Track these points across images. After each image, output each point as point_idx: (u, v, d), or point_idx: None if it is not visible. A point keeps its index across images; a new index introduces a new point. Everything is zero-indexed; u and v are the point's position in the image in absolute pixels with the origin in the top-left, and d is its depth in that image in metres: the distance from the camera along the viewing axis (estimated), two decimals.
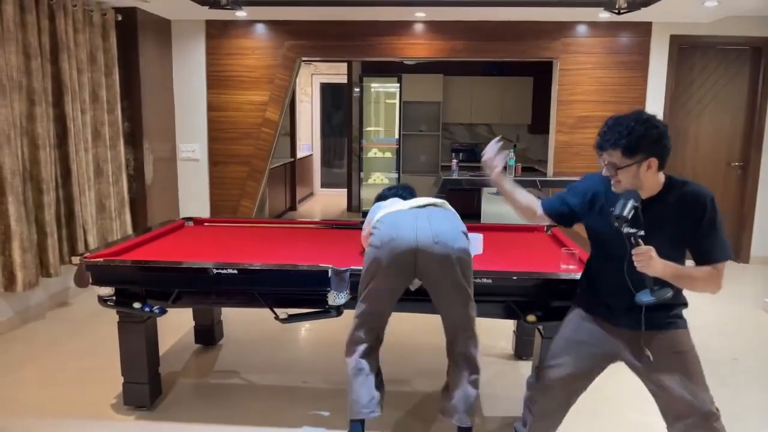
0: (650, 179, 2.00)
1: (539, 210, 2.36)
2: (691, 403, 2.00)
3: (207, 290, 2.84)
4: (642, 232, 1.92)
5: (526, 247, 3.32)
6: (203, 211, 6.19)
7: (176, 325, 4.13)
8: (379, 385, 2.56)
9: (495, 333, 4.03)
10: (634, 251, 1.92)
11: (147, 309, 2.78)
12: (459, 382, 2.50)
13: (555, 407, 2.30)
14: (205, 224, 3.90)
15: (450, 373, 2.54)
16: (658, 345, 2.08)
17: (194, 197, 6.26)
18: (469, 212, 7.31)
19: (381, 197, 3.04)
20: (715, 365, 3.68)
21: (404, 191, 3.02)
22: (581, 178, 2.30)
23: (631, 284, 2.00)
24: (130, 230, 5.34)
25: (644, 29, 5.83)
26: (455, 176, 6.03)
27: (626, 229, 1.91)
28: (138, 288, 2.82)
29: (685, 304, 2.14)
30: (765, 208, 6.08)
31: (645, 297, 1.94)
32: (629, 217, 1.90)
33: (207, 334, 3.89)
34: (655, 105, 5.94)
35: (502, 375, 3.50)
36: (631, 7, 3.86)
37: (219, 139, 6.19)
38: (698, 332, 4.25)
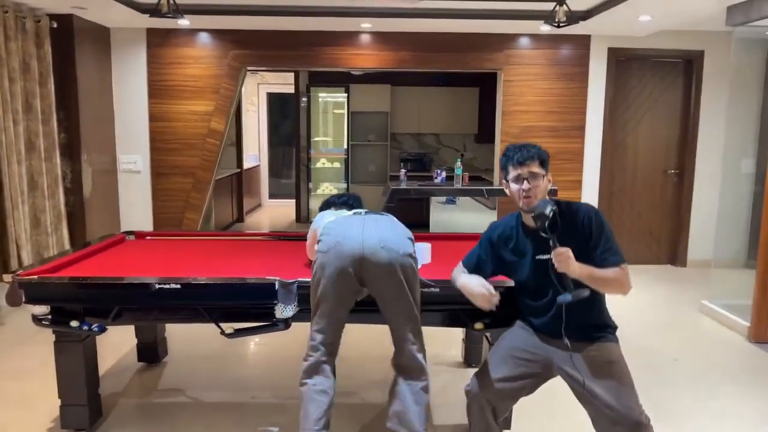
0: (545, 196, 2.26)
1: (463, 269, 2.49)
2: (619, 412, 2.08)
3: (149, 306, 2.73)
4: (554, 240, 2.10)
5: None
6: (146, 224, 6.01)
7: (117, 343, 3.98)
8: (330, 403, 2.51)
9: (445, 341, 4.04)
10: (554, 251, 2.10)
11: (85, 327, 2.65)
12: (407, 392, 2.48)
13: (489, 412, 2.35)
14: (147, 238, 3.78)
15: (397, 384, 2.52)
16: (589, 355, 2.20)
17: (136, 210, 6.07)
18: (418, 221, 7.34)
19: (328, 204, 3.02)
20: (657, 366, 3.80)
21: (351, 199, 3.01)
22: (487, 229, 2.51)
23: (557, 284, 2.16)
24: (67, 245, 5.13)
25: (583, 42, 6.02)
26: (404, 186, 6.06)
27: (544, 232, 2.10)
28: (76, 306, 2.69)
29: (615, 327, 2.32)
30: (700, 213, 6.35)
31: (564, 297, 2.10)
32: (549, 215, 2.09)
33: (150, 352, 3.76)
34: (595, 115, 6.14)
35: (453, 383, 3.52)
36: (570, 21, 3.97)
37: (162, 150, 6.03)
38: (640, 335, 4.40)
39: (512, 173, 2.28)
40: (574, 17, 4.05)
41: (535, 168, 2.23)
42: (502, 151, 2.35)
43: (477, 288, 2.30)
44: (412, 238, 2.51)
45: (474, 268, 2.45)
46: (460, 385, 3.56)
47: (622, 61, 6.11)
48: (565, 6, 3.92)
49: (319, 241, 2.46)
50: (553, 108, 6.11)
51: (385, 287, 2.40)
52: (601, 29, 5.67)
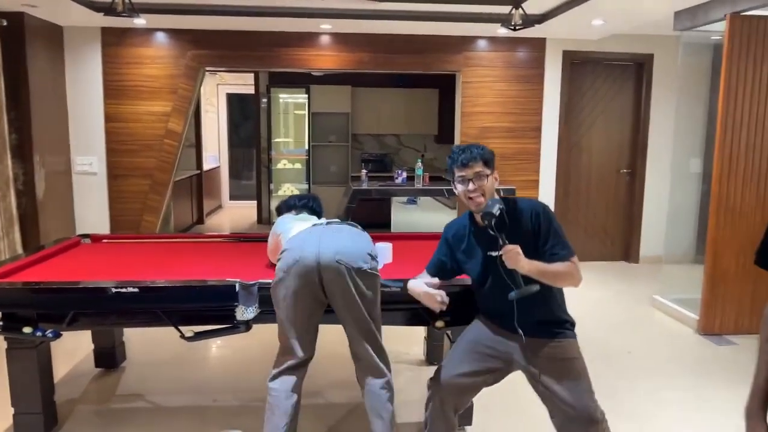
0: (493, 194, 2.32)
1: (426, 275, 2.53)
2: (576, 409, 2.16)
3: (106, 311, 2.69)
4: (503, 238, 2.16)
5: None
6: (102, 227, 5.88)
7: (73, 348, 3.89)
8: (296, 406, 2.51)
9: (407, 340, 4.08)
10: (503, 249, 2.15)
11: (39, 333, 2.59)
12: (376, 404, 2.50)
13: (449, 406, 2.39)
14: (104, 241, 3.71)
15: (365, 398, 2.54)
16: (547, 352, 2.26)
17: (92, 213, 5.93)
18: (379, 221, 7.39)
19: (288, 206, 3.02)
20: (611, 359, 3.92)
21: (311, 201, 3.02)
22: (444, 229, 2.55)
23: (509, 281, 2.20)
24: (20, 249, 4.98)
25: (539, 45, 6.15)
26: (365, 186, 6.08)
27: (492, 230, 2.16)
28: (29, 311, 2.63)
29: (572, 323, 2.36)
30: (651, 211, 6.56)
31: (514, 294, 2.16)
32: (497, 214, 2.15)
33: (107, 357, 3.69)
34: (551, 116, 6.28)
35: (415, 380, 3.56)
36: (526, 24, 4.07)
37: (118, 151, 5.91)
38: (595, 329, 4.53)
39: (457, 174, 2.31)
40: (530, 20, 4.16)
41: (479, 168, 2.27)
42: (449, 154, 2.40)
43: (421, 289, 2.39)
44: (373, 253, 2.51)
45: (437, 271, 2.50)
46: (422, 383, 3.60)
47: (576, 63, 6.27)
48: (521, 10, 4.02)
49: (279, 258, 2.45)
50: (510, 109, 6.23)
51: (338, 300, 2.41)
52: (555, 33, 5.81)
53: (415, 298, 2.44)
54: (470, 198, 2.29)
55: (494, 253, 2.23)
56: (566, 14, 4.87)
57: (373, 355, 2.48)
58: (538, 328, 2.26)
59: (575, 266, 2.23)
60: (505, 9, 4.38)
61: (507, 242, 2.15)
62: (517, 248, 2.13)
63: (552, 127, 6.31)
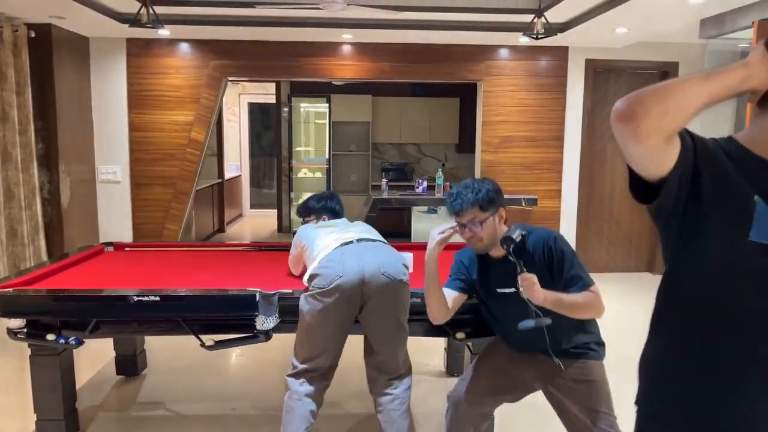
0: (501, 231, 2.19)
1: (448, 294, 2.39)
2: (590, 430, 2.12)
3: (127, 319, 2.71)
4: (521, 266, 2.06)
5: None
6: (125, 235, 5.94)
7: (95, 355, 3.92)
8: (315, 413, 2.52)
9: (427, 351, 4.05)
10: (520, 276, 2.04)
11: (62, 341, 2.62)
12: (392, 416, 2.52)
13: (467, 422, 2.37)
14: (127, 249, 3.74)
15: (380, 414, 2.55)
16: (568, 373, 2.20)
17: (115, 221, 6.00)
18: (399, 231, 7.36)
19: (307, 210, 3.02)
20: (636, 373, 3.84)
21: (331, 201, 3.02)
22: (456, 256, 2.45)
23: (519, 313, 2.09)
24: (44, 257, 5.05)
25: (561, 53, 6.10)
26: (385, 195, 6.07)
27: (511, 256, 2.05)
28: (52, 319, 2.65)
29: (598, 343, 2.27)
30: None
31: (527, 323, 2.05)
32: (517, 240, 2.04)
33: (129, 365, 3.71)
34: (573, 125, 6.22)
35: (435, 392, 3.52)
36: (549, 33, 4.04)
37: (142, 160, 5.98)
38: (620, 342, 4.43)
39: (454, 219, 2.24)
40: (552, 29, 4.12)
41: (473, 215, 2.17)
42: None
43: (430, 245, 2.25)
44: (407, 264, 2.57)
45: (455, 282, 2.39)
46: (442, 394, 3.56)
47: (599, 72, 6.20)
48: (543, 18, 3.99)
49: (316, 275, 2.44)
50: (532, 118, 6.18)
51: (379, 311, 2.45)
52: (578, 41, 5.76)
53: (434, 252, 2.27)
54: (468, 241, 2.25)
55: (504, 290, 2.16)
56: (589, 23, 4.82)
57: (400, 363, 2.53)
58: (560, 351, 2.19)
59: (596, 296, 2.11)
60: (527, 18, 4.36)
61: (524, 270, 2.05)
62: (534, 277, 2.04)
63: (575, 136, 6.24)
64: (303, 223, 3.03)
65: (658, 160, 1.14)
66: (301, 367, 2.48)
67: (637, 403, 1.35)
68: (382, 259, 2.48)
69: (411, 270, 3.08)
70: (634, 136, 1.08)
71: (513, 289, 2.09)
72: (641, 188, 1.19)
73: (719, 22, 4.48)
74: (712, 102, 1.12)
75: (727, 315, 1.19)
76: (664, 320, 1.29)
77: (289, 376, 2.50)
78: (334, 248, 2.53)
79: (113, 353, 3.72)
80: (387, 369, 2.54)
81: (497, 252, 2.21)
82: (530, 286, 2.03)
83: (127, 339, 3.65)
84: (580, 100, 6.19)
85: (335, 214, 2.99)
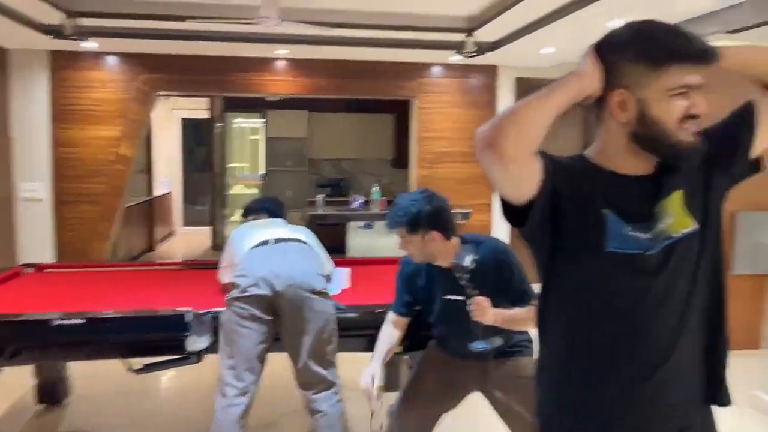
0: (439, 249, 2.21)
1: (398, 321, 2.42)
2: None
3: (49, 344, 2.56)
4: (472, 290, 2.09)
5: (391, 279, 3.37)
6: (48, 255, 5.65)
7: (12, 384, 3.69)
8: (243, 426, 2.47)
9: (362, 366, 4.02)
10: (470, 301, 2.07)
11: None
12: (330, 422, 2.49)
13: None
14: (49, 270, 3.56)
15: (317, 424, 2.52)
16: (504, 370, 2.26)
17: (37, 241, 5.70)
18: (336, 246, 7.32)
19: (247, 210, 2.99)
20: None
21: (269, 203, 2.99)
22: (401, 264, 2.46)
23: (467, 335, 2.14)
24: None
25: (491, 72, 6.29)
26: (321, 211, 6.06)
27: (464, 282, 2.07)
28: None
29: (529, 340, 2.35)
30: None
31: (479, 345, 2.11)
32: (471, 267, 2.06)
33: (51, 392, 3.52)
34: None
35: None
36: (479, 52, 4.16)
37: (66, 177, 5.72)
38: None
39: None
40: (482, 48, 4.25)
41: (401, 235, 2.21)
42: None
43: (363, 379, 2.27)
44: (323, 272, 2.52)
45: (407, 311, 2.41)
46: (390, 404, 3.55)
47: (528, 90, 6.40)
48: (473, 38, 4.10)
49: (234, 284, 2.41)
50: (464, 134, 6.31)
51: (291, 324, 2.41)
52: (507, 60, 5.95)
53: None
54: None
55: (453, 297, 2.18)
56: (517, 43, 4.99)
57: (320, 378, 2.48)
58: (496, 352, 2.25)
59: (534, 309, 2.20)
60: (458, 37, 4.48)
61: (476, 293, 2.08)
62: (486, 301, 2.07)
63: None
64: None
65: (524, 181, 1.23)
66: (226, 375, 2.42)
67: (537, 415, 1.42)
68: (292, 266, 2.43)
69: (347, 285, 3.08)
70: (499, 160, 1.17)
71: (461, 297, 2.11)
72: (512, 213, 1.27)
73: None
74: (558, 113, 1.22)
75: (598, 324, 1.28)
76: (546, 332, 1.38)
77: (218, 387, 2.44)
78: (250, 248, 2.50)
79: (33, 381, 3.51)
80: (307, 385, 2.50)
81: (442, 263, 2.24)
82: (482, 310, 2.06)
83: (49, 365, 3.46)
84: None
85: (273, 214, 2.96)
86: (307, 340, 2.42)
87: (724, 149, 1.29)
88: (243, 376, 2.40)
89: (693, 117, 1.20)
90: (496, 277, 2.19)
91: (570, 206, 1.25)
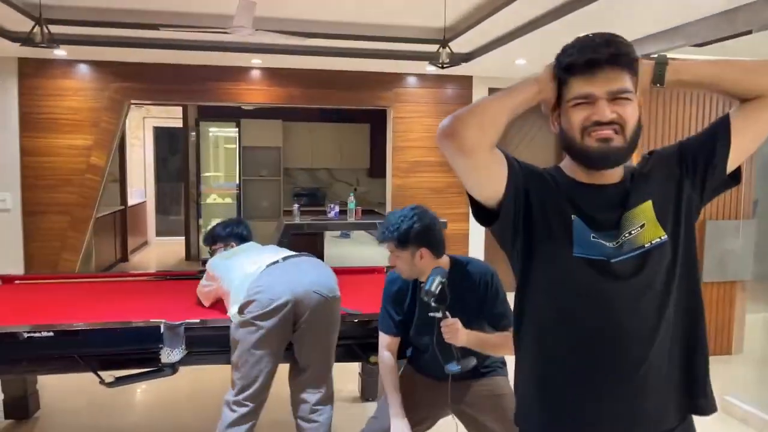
0: (427, 266, 2.22)
1: (392, 343, 2.40)
2: None
3: (17, 357, 2.50)
4: (444, 312, 2.07)
5: (368, 289, 3.38)
6: (15, 267, 5.52)
7: None
8: None
9: (341, 376, 4.00)
10: (442, 323, 2.07)
11: None
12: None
13: None
14: (17, 282, 3.48)
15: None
16: (478, 390, 2.29)
17: (5, 252, 5.56)
18: (313, 256, 7.31)
19: (214, 237, 2.97)
20: None
21: (239, 227, 2.98)
22: (386, 282, 2.44)
23: (440, 356, 2.14)
24: None
25: (466, 82, 6.36)
26: (297, 221, 6.03)
27: (433, 303, 2.05)
28: None
29: (502, 362, 2.39)
30: None
31: (453, 367, 2.10)
32: (437, 291, 2.03)
33: (19, 407, 3.43)
34: None
35: (350, 419, 3.48)
36: (453, 62, 4.19)
37: (35, 186, 5.61)
38: None
39: None
40: (456, 59, 4.28)
41: (391, 248, 2.23)
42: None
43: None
44: (336, 280, 2.57)
45: (396, 330, 2.40)
46: (358, 421, 3.54)
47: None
48: (448, 49, 4.14)
49: (250, 302, 2.39)
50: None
51: (313, 329, 2.44)
52: (481, 71, 6.02)
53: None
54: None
55: (434, 314, 2.14)
56: (490, 54, 5.07)
57: (328, 384, 2.57)
58: (468, 372, 2.22)
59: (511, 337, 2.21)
60: (433, 48, 4.51)
61: (447, 316, 2.07)
62: (457, 323, 2.07)
63: None
64: (210, 253, 2.97)
65: (488, 178, 1.29)
66: (236, 398, 2.40)
67: (515, 422, 1.45)
68: (312, 275, 2.48)
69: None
70: (460, 149, 1.24)
71: (439, 314, 2.08)
72: (483, 214, 1.34)
73: None
74: (515, 113, 1.30)
75: (567, 327, 1.31)
76: (520, 336, 1.40)
77: (226, 408, 2.42)
78: (261, 271, 2.49)
79: (1, 395, 3.42)
80: (316, 389, 2.53)
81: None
82: (453, 332, 2.06)
83: (17, 379, 3.38)
84: None
85: (242, 239, 2.95)
86: (325, 342, 2.49)
87: (699, 162, 1.32)
88: (258, 393, 2.41)
89: (598, 123, 1.24)
90: (479, 296, 2.22)
91: (540, 210, 1.30)
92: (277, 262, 2.55)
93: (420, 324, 2.31)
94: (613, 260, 1.26)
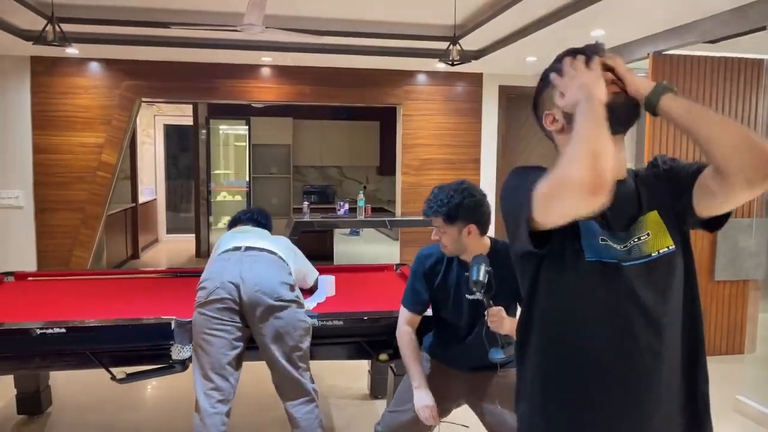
0: (473, 243, 2.19)
1: (414, 320, 2.36)
2: None
3: (30, 353, 2.52)
4: (488, 300, 2.04)
5: (377, 286, 3.38)
6: (28, 264, 5.57)
7: None
8: None
9: (351, 374, 4.02)
10: (488, 312, 2.04)
11: None
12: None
13: None
14: (30, 279, 3.51)
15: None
16: (496, 382, 2.25)
17: (17, 249, 5.62)
18: (322, 253, 7.32)
19: (234, 221, 3.00)
20: None
21: (259, 215, 3.00)
22: (415, 259, 2.38)
23: (486, 343, 2.11)
24: None
25: (476, 79, 6.33)
26: (307, 218, 6.03)
27: (480, 295, 1.99)
28: None
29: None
30: None
31: (498, 355, 2.09)
32: (485, 281, 1.98)
33: (32, 403, 3.46)
34: (489, 148, 6.44)
35: (361, 416, 3.49)
36: (463, 59, 4.18)
37: (47, 184, 5.66)
38: None
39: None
40: (467, 56, 4.27)
41: (438, 223, 2.19)
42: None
43: (422, 413, 2.17)
44: (289, 281, 2.50)
45: (422, 307, 2.36)
46: (367, 418, 3.55)
47: (512, 97, 6.48)
48: (458, 46, 4.12)
49: (200, 288, 2.43)
50: (449, 141, 6.35)
51: (263, 334, 2.41)
52: (491, 68, 5.99)
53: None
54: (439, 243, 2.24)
55: (473, 297, 2.11)
56: (501, 51, 5.04)
57: (300, 388, 2.48)
58: (487, 363, 2.21)
59: None
60: (443, 45, 4.49)
61: (491, 304, 2.04)
62: (502, 311, 2.05)
63: (490, 159, 6.46)
64: None
65: None
66: (201, 384, 2.40)
67: None
68: (261, 274, 2.42)
69: (332, 293, 3.08)
70: (592, 201, 1.10)
71: (480, 297, 2.03)
72: (537, 237, 1.24)
73: (617, 54, 4.79)
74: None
75: (579, 339, 1.27)
76: (526, 348, 1.36)
77: (197, 395, 2.42)
78: (218, 254, 2.52)
79: (14, 391, 3.45)
80: (287, 395, 2.49)
81: (467, 257, 2.19)
82: (499, 320, 2.04)
83: (30, 375, 3.41)
84: (494, 124, 6.43)
85: (259, 224, 2.97)
86: (276, 346, 2.41)
87: (678, 192, 1.29)
88: (216, 385, 2.39)
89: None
90: (513, 278, 2.17)
91: None
92: (238, 248, 2.55)
93: (455, 304, 2.25)
94: (624, 264, 1.25)
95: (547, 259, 1.29)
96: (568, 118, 1.26)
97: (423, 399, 2.18)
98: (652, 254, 1.26)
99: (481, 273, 1.98)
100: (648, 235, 1.27)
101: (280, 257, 2.60)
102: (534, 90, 1.42)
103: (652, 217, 1.29)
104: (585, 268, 1.25)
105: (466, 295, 2.18)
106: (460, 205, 2.15)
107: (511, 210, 1.31)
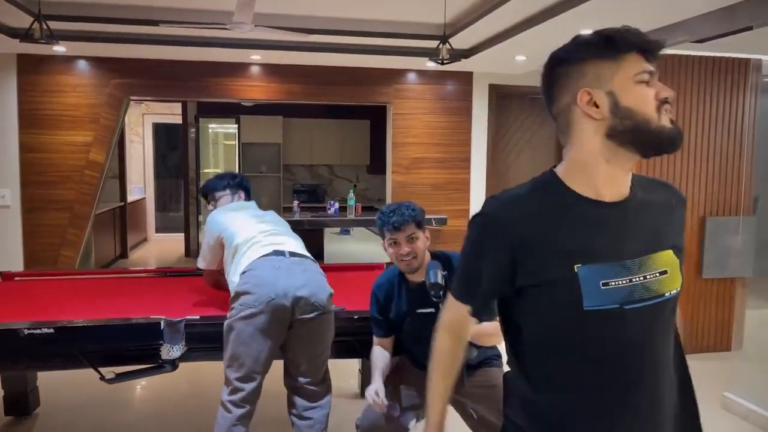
0: (425, 254, 2.34)
1: (383, 342, 2.48)
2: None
3: (17, 354, 2.50)
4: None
5: (368, 285, 3.37)
6: (15, 263, 5.51)
7: None
8: None
9: (341, 373, 4.02)
10: None
11: None
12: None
13: None
14: (17, 279, 3.48)
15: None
16: (477, 381, 2.32)
17: (4, 249, 5.56)
18: (312, 252, 7.29)
19: (222, 185, 2.92)
20: None
21: (238, 178, 2.95)
22: (371, 293, 2.50)
23: None
24: None
25: (466, 78, 6.34)
26: (297, 217, 6.03)
27: (436, 297, 2.06)
28: None
29: (498, 355, 2.45)
30: None
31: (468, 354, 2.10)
32: (443, 284, 2.06)
33: (19, 404, 3.43)
34: (479, 147, 6.46)
35: (350, 415, 3.48)
36: (453, 58, 4.19)
37: (35, 183, 5.61)
38: None
39: (388, 237, 2.31)
40: (456, 55, 4.28)
41: (411, 230, 2.28)
42: (378, 214, 2.39)
43: (369, 395, 2.30)
44: (331, 291, 2.58)
45: (387, 332, 2.47)
46: (357, 416, 3.54)
47: (502, 96, 6.50)
48: (448, 45, 4.13)
49: (245, 293, 2.37)
50: (440, 140, 6.36)
51: (305, 335, 2.45)
52: (481, 67, 6.01)
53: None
54: (402, 260, 2.30)
55: (425, 310, 2.19)
56: (490, 50, 5.06)
57: (321, 384, 2.57)
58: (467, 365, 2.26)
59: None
60: (433, 44, 4.50)
61: None
62: None
63: (480, 158, 6.48)
64: (211, 209, 2.94)
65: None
66: (231, 392, 2.40)
67: None
68: (313, 286, 2.46)
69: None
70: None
71: (432, 309, 2.09)
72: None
73: None
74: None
75: (576, 386, 1.19)
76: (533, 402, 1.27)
77: (222, 401, 2.41)
78: (263, 256, 2.47)
79: (0, 392, 3.43)
80: (307, 392, 2.53)
81: (417, 278, 2.30)
82: None
83: (17, 376, 3.38)
84: (484, 123, 6.44)
85: (248, 194, 2.96)
86: (318, 351, 2.50)
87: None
88: (251, 388, 2.40)
89: (665, 102, 1.14)
90: None
91: (537, 262, 1.18)
92: (282, 253, 2.53)
93: (411, 321, 2.35)
94: (626, 307, 1.12)
95: (536, 309, 1.20)
96: (617, 109, 1.14)
97: (371, 386, 2.30)
98: (665, 294, 1.16)
99: (439, 276, 2.08)
100: (663, 273, 1.16)
101: (313, 260, 2.67)
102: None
103: (668, 255, 1.19)
104: (585, 317, 1.13)
105: (418, 310, 2.28)
106: (421, 210, 2.35)
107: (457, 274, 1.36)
